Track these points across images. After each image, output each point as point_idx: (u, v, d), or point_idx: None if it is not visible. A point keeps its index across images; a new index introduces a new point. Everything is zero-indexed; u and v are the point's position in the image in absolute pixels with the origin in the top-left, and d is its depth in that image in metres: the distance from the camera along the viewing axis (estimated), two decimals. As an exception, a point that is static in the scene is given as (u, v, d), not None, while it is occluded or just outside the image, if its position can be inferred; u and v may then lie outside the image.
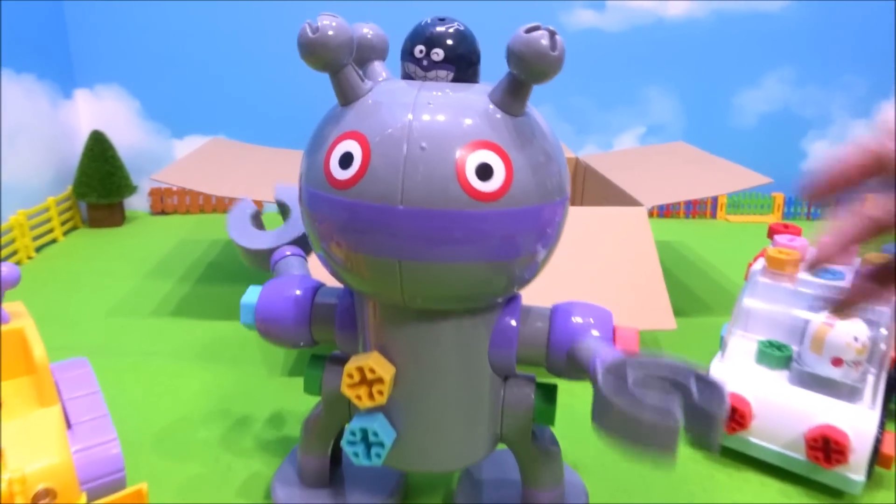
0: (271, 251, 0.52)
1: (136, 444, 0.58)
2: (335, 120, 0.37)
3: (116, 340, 0.79)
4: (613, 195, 0.90)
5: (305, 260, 0.52)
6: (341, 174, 0.34)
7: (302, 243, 0.53)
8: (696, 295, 0.97)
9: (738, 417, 0.57)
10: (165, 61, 1.29)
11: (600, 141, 1.41)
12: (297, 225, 0.54)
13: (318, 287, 0.47)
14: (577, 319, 0.41)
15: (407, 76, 0.39)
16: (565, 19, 1.31)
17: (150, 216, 1.35)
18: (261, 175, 0.92)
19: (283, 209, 0.56)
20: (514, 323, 0.42)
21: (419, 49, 0.37)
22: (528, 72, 0.33)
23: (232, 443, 0.59)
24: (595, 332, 0.40)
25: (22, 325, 0.51)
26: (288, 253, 0.51)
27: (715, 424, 0.29)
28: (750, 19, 1.31)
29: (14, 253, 1.05)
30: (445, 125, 0.34)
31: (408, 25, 0.39)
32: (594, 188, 1.01)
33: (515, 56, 0.33)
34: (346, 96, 0.37)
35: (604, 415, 0.30)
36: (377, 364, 0.40)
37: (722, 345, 0.71)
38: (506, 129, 0.35)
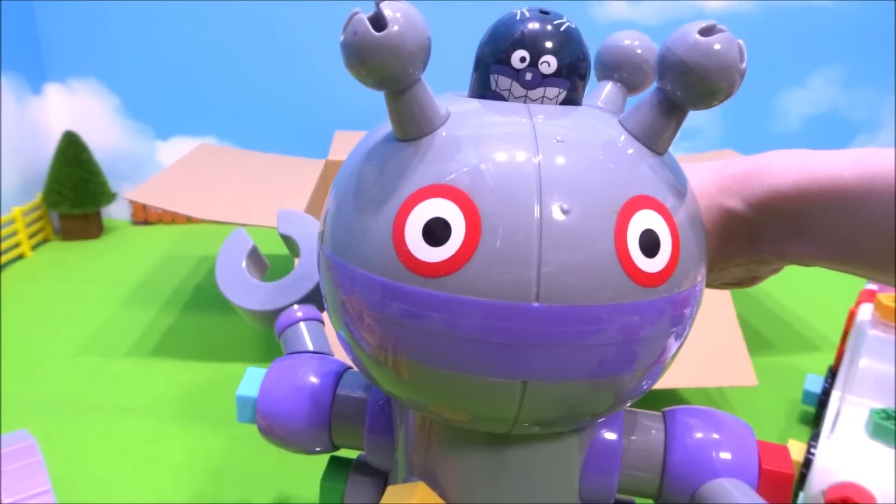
0: (277, 312, 0.40)
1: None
2: (398, 164, 0.24)
3: (85, 390, 0.68)
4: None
5: (322, 324, 0.40)
6: (429, 254, 0.22)
7: (316, 299, 0.41)
8: (757, 332, 0.86)
9: (861, 513, 0.46)
10: (149, 53, 1.17)
11: (629, 145, 1.29)
12: (309, 272, 0.41)
13: (342, 373, 0.35)
14: (702, 436, 0.31)
15: (489, 94, 0.26)
16: (596, 11, 1.21)
17: (132, 226, 1.23)
18: (256, 189, 0.80)
19: (291, 246, 0.44)
20: (614, 437, 0.31)
21: (520, 56, 0.25)
22: (699, 92, 0.21)
23: (223, 544, 0.47)
24: (727, 456, 0.31)
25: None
26: (300, 315, 0.40)
27: None
28: (798, 13, 1.21)
29: (-28, 273, 0.92)
30: (594, 174, 0.22)
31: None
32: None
33: (687, 69, 0.21)
34: (412, 127, 0.24)
35: None
36: (424, 500, 0.29)
37: (809, 401, 0.60)
38: (662, 178, 0.23)
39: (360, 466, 0.37)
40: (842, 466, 0.48)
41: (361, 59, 0.21)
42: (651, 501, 0.33)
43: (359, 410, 0.33)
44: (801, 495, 0.51)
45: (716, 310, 0.63)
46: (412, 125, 0.23)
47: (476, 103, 0.26)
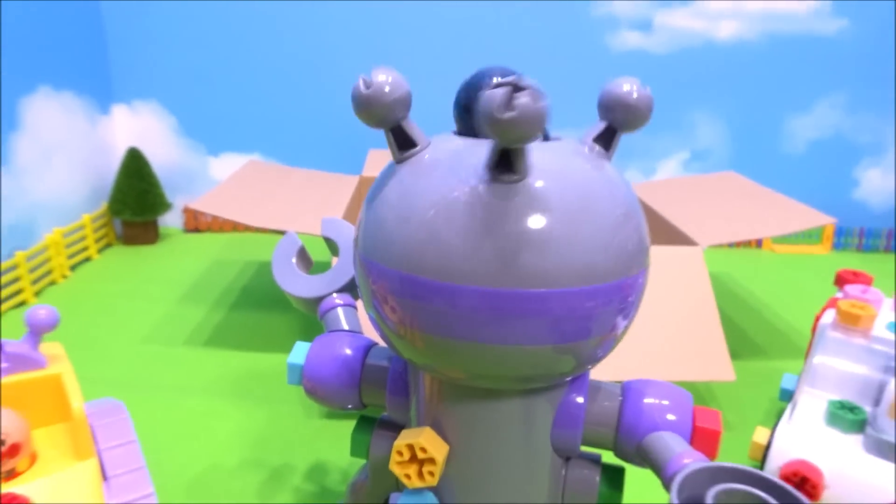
0: (320, 299, 0.50)
1: (170, 492, 0.55)
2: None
3: (149, 372, 0.78)
4: (664, 231, 0.86)
5: (356, 309, 0.49)
6: None
7: (352, 289, 0.50)
8: (746, 335, 0.93)
9: (810, 488, 0.54)
10: (203, 78, 1.28)
11: (643, 166, 1.37)
12: (346, 268, 0.51)
13: (370, 347, 0.44)
14: (651, 401, 0.38)
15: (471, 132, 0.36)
16: (611, 41, 1.27)
17: (184, 233, 1.34)
18: (300, 202, 0.90)
19: (332, 246, 0.53)
20: (581, 401, 0.38)
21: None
22: (635, 121, 0.34)
23: (268, 495, 0.56)
24: (671, 417, 0.37)
25: (60, 371, 0.49)
26: (338, 302, 0.49)
27: None
28: (803, 42, 1.27)
29: (49, 272, 1.04)
30: None
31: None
32: (641, 220, 0.97)
33: (627, 107, 0.33)
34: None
35: None
36: (429, 443, 0.37)
37: (784, 398, 0.67)
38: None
39: (383, 423, 0.44)
40: (796, 447, 0.55)
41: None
42: (611, 454, 0.41)
43: (382, 376, 0.41)
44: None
45: (698, 309, 0.70)
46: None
47: (454, 139, 0.35)
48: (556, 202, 0.30)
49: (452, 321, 0.31)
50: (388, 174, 0.35)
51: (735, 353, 0.85)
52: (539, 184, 0.31)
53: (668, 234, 0.85)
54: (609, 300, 0.32)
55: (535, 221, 0.30)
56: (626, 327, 0.36)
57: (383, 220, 0.33)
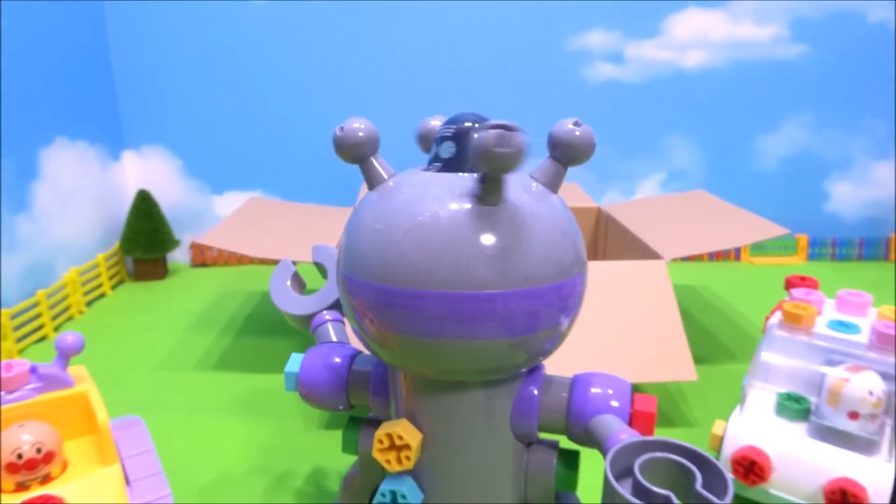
0: (312, 316, 0.56)
1: (185, 497, 0.61)
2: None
3: (163, 395, 0.84)
4: (634, 246, 0.93)
5: (343, 323, 0.55)
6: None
7: (340, 306, 0.56)
8: (719, 341, 0.99)
9: (758, 470, 0.59)
10: (206, 122, 1.36)
11: (623, 187, 1.44)
12: (334, 288, 0.57)
13: (355, 355, 0.50)
14: (596, 390, 0.43)
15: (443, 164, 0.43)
16: (586, 73, 1.35)
17: (191, 268, 1.41)
18: (297, 234, 0.97)
19: (321, 269, 0.60)
20: (535, 392, 0.44)
21: (449, 145, 0.42)
22: (576, 157, 0.40)
23: (272, 497, 0.62)
24: (614, 403, 0.42)
25: (86, 389, 0.55)
26: (328, 317, 0.54)
27: None
28: (766, 66, 1.34)
29: (67, 308, 1.11)
30: None
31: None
32: (616, 239, 1.04)
33: (570, 146, 0.39)
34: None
35: (609, 500, 0.31)
36: (405, 431, 0.42)
37: (742, 396, 0.73)
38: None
39: (369, 421, 0.49)
40: (747, 435, 0.61)
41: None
42: (564, 438, 0.46)
43: (366, 380, 0.47)
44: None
45: (662, 316, 0.76)
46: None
47: (421, 173, 0.42)
48: (506, 224, 0.37)
49: (420, 322, 0.37)
50: (363, 202, 0.42)
51: (705, 357, 0.91)
52: (492, 209, 0.38)
53: (638, 249, 0.91)
54: (550, 300, 0.38)
55: (486, 238, 0.37)
56: (570, 324, 0.42)
57: (359, 240, 0.40)
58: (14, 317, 0.97)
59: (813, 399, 0.63)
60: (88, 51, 1.25)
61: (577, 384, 0.45)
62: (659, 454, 0.34)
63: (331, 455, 0.69)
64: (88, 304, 1.18)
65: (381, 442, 0.43)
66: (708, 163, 1.41)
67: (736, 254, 1.44)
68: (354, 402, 0.48)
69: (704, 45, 1.34)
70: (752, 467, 0.59)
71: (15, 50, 1.03)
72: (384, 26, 1.32)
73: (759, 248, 1.43)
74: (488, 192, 0.37)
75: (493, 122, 0.33)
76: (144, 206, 1.28)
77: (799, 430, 0.61)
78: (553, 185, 0.40)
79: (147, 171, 1.38)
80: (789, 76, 1.35)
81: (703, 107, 1.37)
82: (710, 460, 0.33)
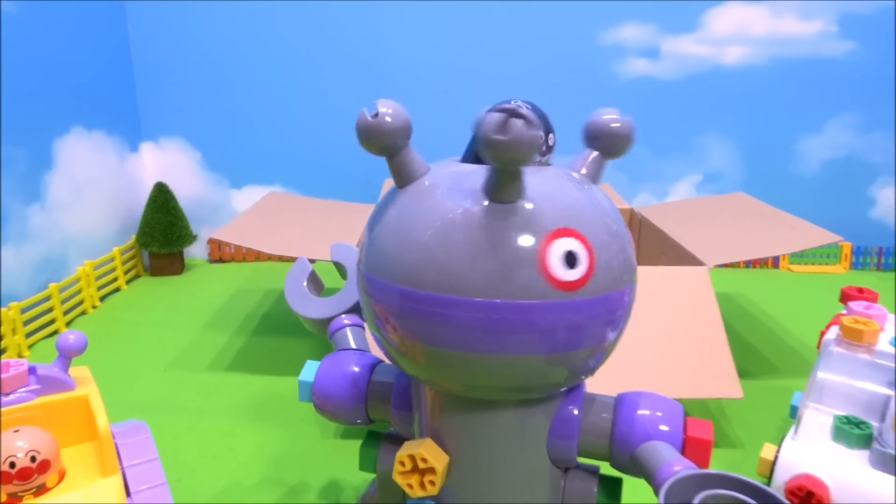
0: (329, 320, 0.52)
1: (192, 510, 0.58)
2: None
3: (174, 396, 0.80)
4: (671, 251, 0.88)
5: (363, 329, 0.51)
6: None
7: (359, 310, 0.52)
8: (761, 354, 0.93)
9: (815, 502, 0.54)
10: (226, 114, 1.34)
11: (655, 189, 1.38)
12: (354, 290, 0.53)
13: (376, 364, 0.46)
14: (644, 412, 0.39)
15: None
16: (619, 69, 1.30)
17: (208, 264, 1.39)
18: (316, 229, 0.93)
19: (341, 269, 0.56)
20: (575, 412, 0.40)
21: None
22: (619, 149, 0.38)
23: (285, 511, 0.58)
24: (664, 427, 0.38)
25: (87, 393, 0.52)
26: (346, 322, 0.50)
27: None
28: (811, 64, 1.28)
29: (80, 303, 1.08)
30: None
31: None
32: (650, 242, 0.98)
33: (612, 136, 0.36)
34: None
35: None
36: (430, 453, 0.38)
37: (793, 415, 0.67)
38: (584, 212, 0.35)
39: (389, 437, 0.45)
40: (802, 461, 0.56)
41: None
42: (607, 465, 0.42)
43: (387, 392, 0.43)
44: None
45: (705, 327, 0.71)
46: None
47: (455, 164, 0.38)
48: (546, 223, 0.32)
49: (448, 332, 0.33)
50: (388, 198, 0.38)
51: (747, 372, 0.86)
52: (529, 206, 0.33)
53: (676, 254, 0.86)
54: (595, 313, 0.34)
55: (524, 240, 0.32)
56: (616, 339, 0.37)
57: (384, 240, 0.36)
58: (25, 310, 0.94)
59: (875, 424, 0.57)
60: (108, 41, 1.23)
61: (622, 404, 0.40)
62: (720, 491, 0.30)
63: (347, 467, 0.65)
64: (102, 298, 1.15)
65: (402, 464, 0.39)
66: (746, 165, 1.35)
67: (774, 261, 1.37)
68: (374, 416, 0.45)
69: (745, 40, 1.28)
70: (808, 499, 0.54)
71: (33, 39, 1.00)
72: (410, 21, 1.28)
73: (800, 255, 1.37)
74: (496, 188, 0.32)
75: (502, 104, 0.28)
76: (162, 199, 1.26)
77: (860, 457, 0.55)
78: (594, 177, 0.37)
79: (165, 163, 1.36)
80: (835, 74, 1.28)
81: (741, 106, 1.31)
82: (777, 499, 0.29)
